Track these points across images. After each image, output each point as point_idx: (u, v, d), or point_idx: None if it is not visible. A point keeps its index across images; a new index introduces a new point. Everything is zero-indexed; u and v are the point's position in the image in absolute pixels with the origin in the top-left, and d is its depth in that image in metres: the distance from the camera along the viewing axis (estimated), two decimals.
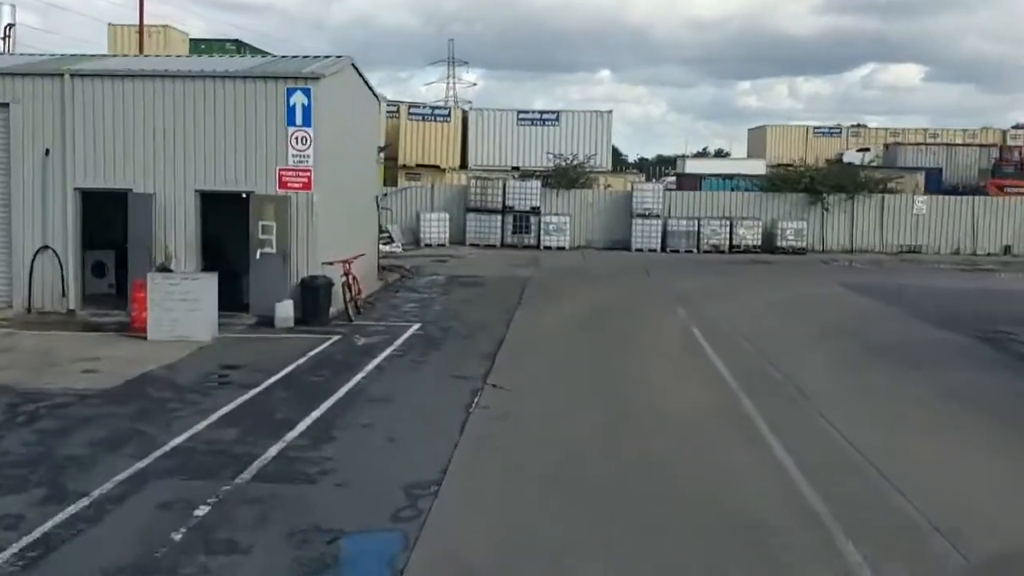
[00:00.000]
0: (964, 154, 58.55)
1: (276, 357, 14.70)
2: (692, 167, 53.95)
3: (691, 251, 35.81)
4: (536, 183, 36.57)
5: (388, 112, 46.86)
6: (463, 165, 45.90)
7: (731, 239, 35.98)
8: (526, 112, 46.39)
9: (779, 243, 35.85)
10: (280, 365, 14.04)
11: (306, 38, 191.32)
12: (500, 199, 36.29)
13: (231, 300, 17.99)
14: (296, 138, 17.93)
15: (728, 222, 36.16)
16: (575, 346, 16.47)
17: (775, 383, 13.76)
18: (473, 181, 36.70)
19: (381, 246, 34.07)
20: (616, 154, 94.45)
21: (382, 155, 40.45)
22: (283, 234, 17.87)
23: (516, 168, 44.32)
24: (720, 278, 27.65)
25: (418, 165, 45.25)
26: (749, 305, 22.16)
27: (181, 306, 16.20)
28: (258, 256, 17.94)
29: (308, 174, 18.00)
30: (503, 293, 23.11)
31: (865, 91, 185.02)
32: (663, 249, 35.91)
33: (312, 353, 15.11)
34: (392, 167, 45.17)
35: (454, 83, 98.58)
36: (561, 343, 16.82)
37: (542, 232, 36.19)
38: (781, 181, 37.58)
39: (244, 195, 18.00)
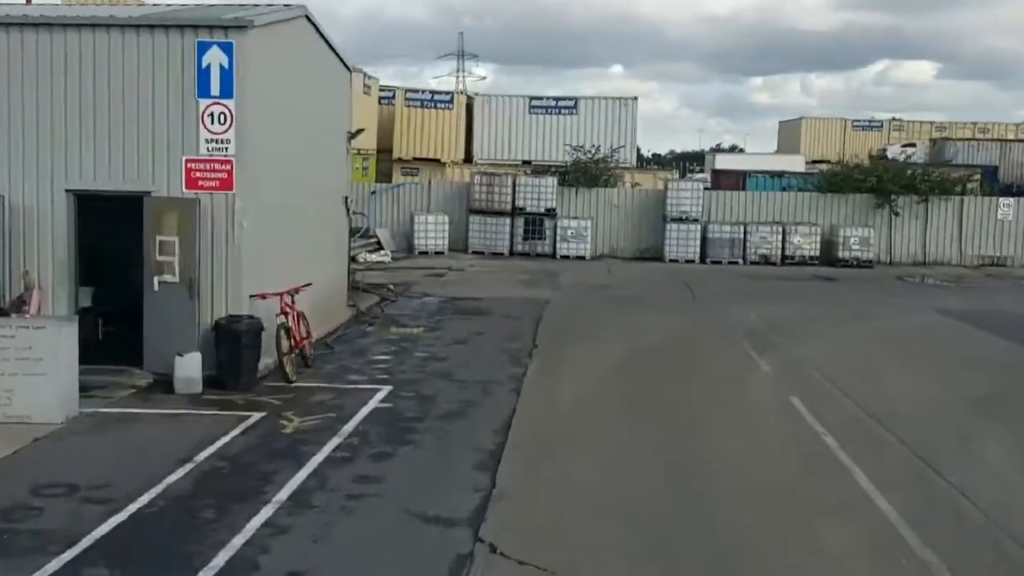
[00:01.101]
0: (1020, 150, 52.66)
1: (145, 463, 9.08)
2: (724, 163, 48.14)
3: (736, 262, 30.09)
4: (551, 180, 30.86)
5: (383, 97, 41.26)
6: (467, 159, 40.22)
7: (783, 248, 30.23)
8: (539, 99, 40.68)
9: (840, 254, 30.08)
10: (140, 485, 8.41)
11: None
12: (509, 199, 30.60)
13: (126, 349, 12.46)
14: (211, 115, 12.29)
15: (779, 228, 30.40)
16: (621, 439, 10.75)
17: (981, 534, 8.07)
18: (477, 178, 30.97)
19: (368, 256, 28.46)
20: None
21: (369, 147, 34.96)
22: (189, 255, 12.22)
23: (528, 163, 38.66)
24: (785, 302, 21.91)
25: (416, 159, 39.59)
26: (843, 348, 16.44)
27: (18, 368, 10.56)
28: (155, 287, 12.32)
29: (228, 168, 12.36)
30: (512, 327, 17.46)
31: (878, 87, 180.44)
32: (702, 259, 30.19)
33: (206, 453, 9.46)
34: (386, 161, 39.54)
35: (463, 76, 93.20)
36: (601, 429, 11.12)
37: (558, 238, 30.52)
38: (842, 180, 31.74)
39: (140, 197, 12.38)
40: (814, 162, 57.89)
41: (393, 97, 40.07)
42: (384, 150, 39.53)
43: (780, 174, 34.67)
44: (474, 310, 19.58)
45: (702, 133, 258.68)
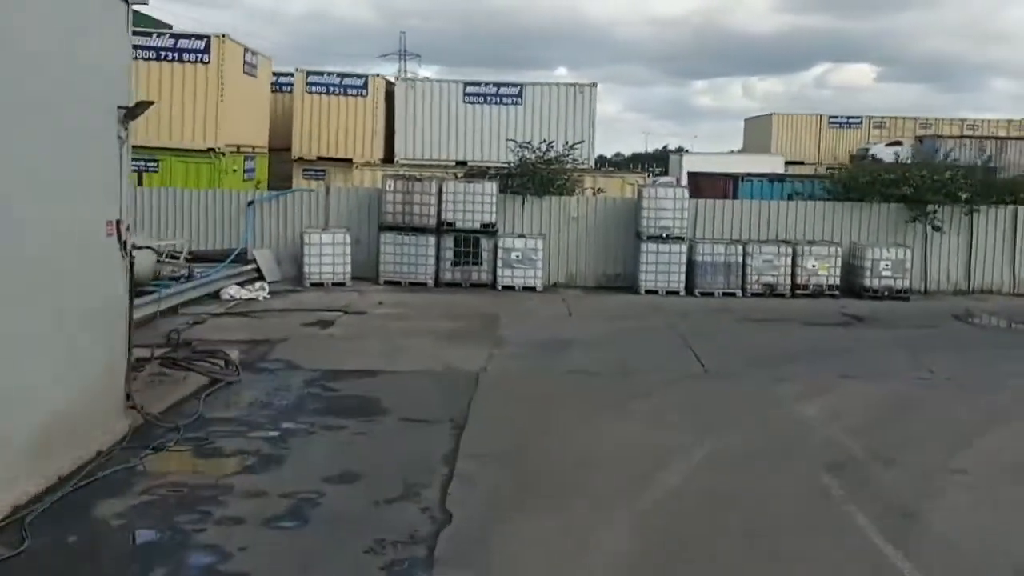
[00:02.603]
0: (1016, 149, 46.33)
1: None
2: (698, 164, 40.90)
3: (732, 293, 22.77)
4: (490, 187, 23.25)
5: (280, 85, 33.38)
6: (388, 159, 32.55)
7: (793, 275, 22.99)
8: (476, 85, 33.11)
9: (867, 281, 22.91)
10: None
11: (264, 29, 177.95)
12: (433, 211, 22.94)
13: None
14: None
15: (788, 249, 23.15)
16: None
17: None
18: (390, 183, 23.13)
19: (237, 291, 20.59)
20: None
21: (258, 143, 26.26)
22: None
23: (463, 164, 31.10)
24: (837, 372, 14.47)
25: (321, 159, 31.81)
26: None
27: None
28: None
29: None
30: (410, 453, 9.83)
31: (818, 90, 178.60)
32: (688, 290, 22.83)
33: None
34: (284, 162, 31.71)
35: (404, 77, 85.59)
36: None
37: (500, 264, 22.93)
38: (866, 185, 24.52)
39: None
40: (788, 163, 51.19)
41: (292, 82, 32.24)
42: (281, 148, 31.66)
43: (781, 178, 27.39)
44: (357, 404, 11.85)
45: (648, 135, 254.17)
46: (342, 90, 31.57)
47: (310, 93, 31.57)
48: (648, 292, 22.83)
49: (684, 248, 22.96)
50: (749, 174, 26.96)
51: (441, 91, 32.69)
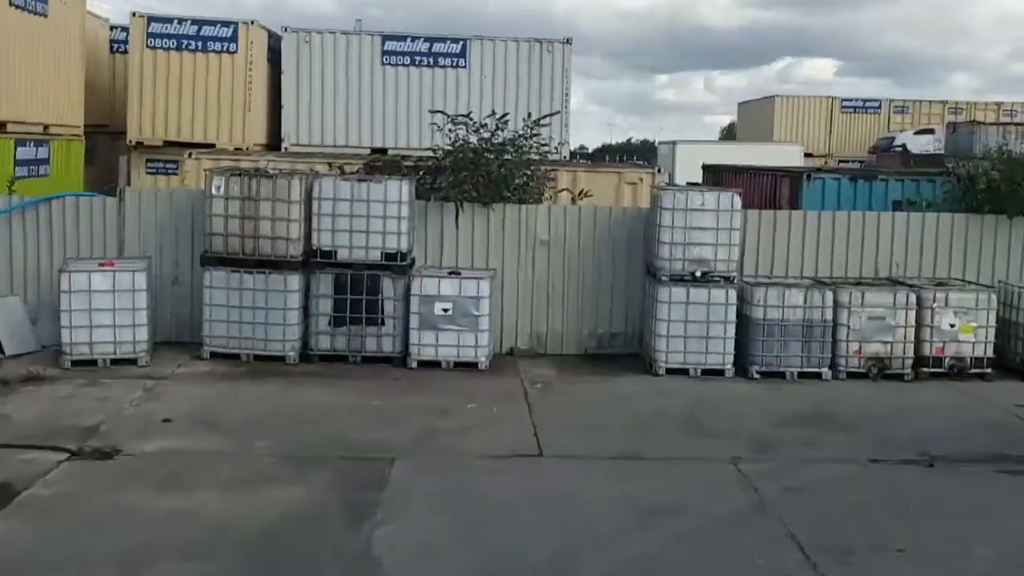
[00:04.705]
0: None
1: None
2: (696, 156, 31.12)
3: (816, 373, 13.18)
4: (400, 189, 13.35)
5: (114, 42, 23.40)
6: (272, 144, 22.69)
7: (917, 340, 13.42)
8: (400, 40, 23.29)
9: None
10: None
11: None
12: (298, 230, 13.06)
13: None
14: None
15: (910, 297, 13.53)
16: None
17: None
18: (218, 183, 13.06)
19: None
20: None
21: (72, 122, 16.85)
22: None
23: (382, 152, 21.34)
24: None
25: (170, 143, 21.79)
26: None
27: None
28: None
29: None
30: None
31: (780, 85, 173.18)
32: (740, 367, 13.23)
33: None
34: (111, 144, 21.71)
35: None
36: None
37: (415, 322, 13.12)
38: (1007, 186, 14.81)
39: None
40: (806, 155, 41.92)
41: (127, 36, 22.22)
42: (112, 132, 21.66)
43: (873, 175, 17.56)
44: None
45: (612, 128, 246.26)
46: (200, 44, 21.52)
47: (154, 48, 21.51)
48: (670, 371, 13.19)
49: (733, 296, 13.32)
50: (819, 169, 17.30)
51: (349, 48, 22.82)
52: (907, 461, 9.75)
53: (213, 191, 12.93)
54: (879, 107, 48.19)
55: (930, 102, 48.30)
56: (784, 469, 9.34)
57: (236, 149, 21.15)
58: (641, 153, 59.78)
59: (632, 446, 9.96)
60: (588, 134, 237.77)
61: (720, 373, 13.21)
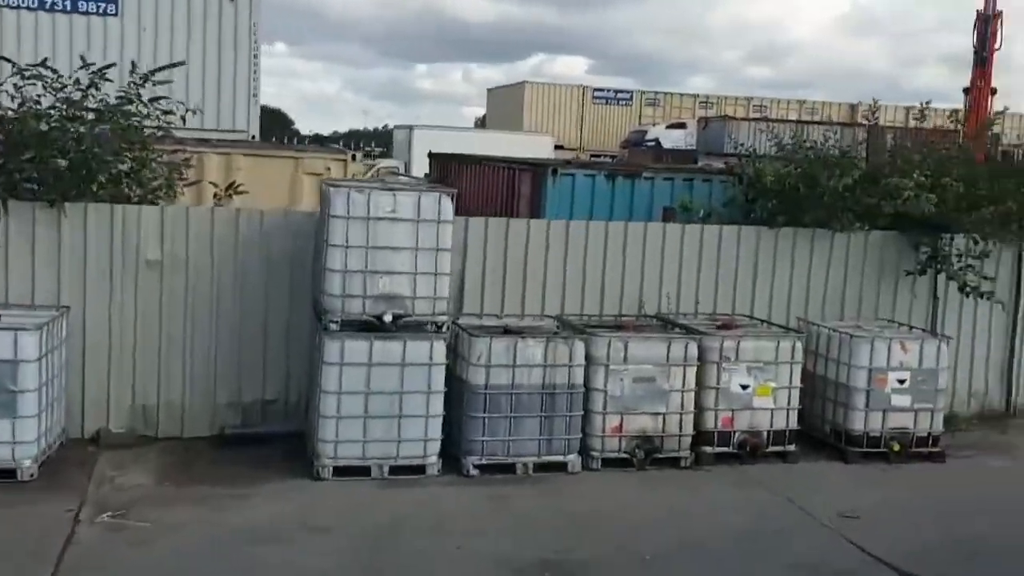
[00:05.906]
0: (818, 135, 36.22)
1: None
2: (432, 144, 26.49)
3: (562, 462, 8.89)
4: None
5: None
6: None
7: (699, 406, 9.43)
8: None
9: (857, 417, 9.88)
10: None
11: None
12: None
13: None
14: None
15: (689, 347, 9.51)
16: None
17: None
18: None
19: None
20: (284, 122, 64.86)
21: None
22: None
23: None
24: None
25: None
26: None
27: None
28: None
29: None
30: None
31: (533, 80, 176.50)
32: (450, 460, 8.73)
33: None
34: None
35: None
36: None
37: None
38: (836, 192, 11.08)
39: None
40: (557, 147, 38.58)
41: None
42: None
43: (636, 172, 13.21)
44: None
45: (367, 115, 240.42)
46: None
47: None
48: (343, 472, 8.49)
49: (441, 352, 8.75)
50: (568, 162, 13.10)
51: None
52: None
53: None
54: (631, 99, 46.04)
55: (681, 95, 46.67)
56: None
57: None
58: (383, 138, 55.00)
59: None
60: (344, 120, 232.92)
61: (420, 471, 8.64)
